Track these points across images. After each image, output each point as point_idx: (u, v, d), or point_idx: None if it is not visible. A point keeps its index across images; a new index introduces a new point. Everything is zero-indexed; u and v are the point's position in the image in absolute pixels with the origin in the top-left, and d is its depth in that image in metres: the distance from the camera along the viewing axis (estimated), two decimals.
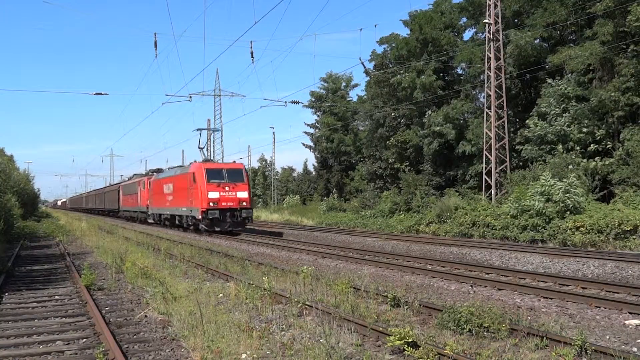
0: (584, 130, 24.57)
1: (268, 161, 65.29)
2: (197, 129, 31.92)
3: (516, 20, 29.83)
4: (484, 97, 29.16)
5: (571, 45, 26.76)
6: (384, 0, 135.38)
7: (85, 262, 14.07)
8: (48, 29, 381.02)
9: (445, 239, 22.69)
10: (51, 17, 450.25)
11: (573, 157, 23.80)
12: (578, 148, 24.43)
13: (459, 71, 35.24)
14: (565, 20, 25.98)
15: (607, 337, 7.26)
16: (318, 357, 5.83)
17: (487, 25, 26.60)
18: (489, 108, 26.65)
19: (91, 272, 11.46)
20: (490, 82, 26.36)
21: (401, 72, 34.30)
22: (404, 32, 39.78)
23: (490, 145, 26.45)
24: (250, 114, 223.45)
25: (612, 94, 23.11)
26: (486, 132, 26.82)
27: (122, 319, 8.38)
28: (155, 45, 26.69)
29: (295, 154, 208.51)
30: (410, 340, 6.16)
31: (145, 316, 8.41)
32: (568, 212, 19.74)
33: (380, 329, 7.03)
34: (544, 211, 20.03)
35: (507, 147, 26.85)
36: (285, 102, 37.28)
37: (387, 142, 36.36)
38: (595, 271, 13.24)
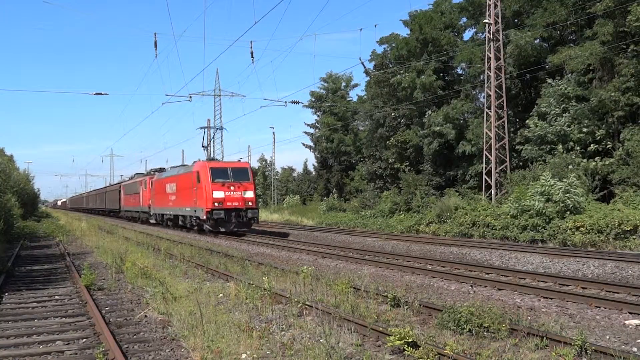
0: (584, 130, 24.57)
1: (268, 161, 65.26)
2: (202, 127, 31.93)
3: (516, 20, 29.83)
4: (484, 97, 29.17)
5: (571, 45, 26.76)
6: (384, 0, 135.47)
7: (85, 262, 14.08)
8: (48, 29, 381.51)
9: (445, 239, 22.69)
10: (51, 17, 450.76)
11: (573, 157, 23.80)
12: (578, 148, 24.43)
13: (459, 71, 35.26)
14: (565, 20, 25.98)
15: (607, 337, 7.26)
16: (318, 357, 5.83)
17: (487, 25, 26.60)
18: (489, 108, 26.65)
19: (91, 272, 11.47)
20: (490, 82, 26.36)
21: (401, 72, 34.30)
22: (404, 32, 39.88)
23: (490, 145, 26.45)
24: (250, 114, 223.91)
25: (612, 94, 23.12)
26: (486, 132, 26.82)
27: (122, 319, 8.38)
28: (155, 45, 26.64)
29: (295, 154, 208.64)
30: (410, 340, 6.16)
31: (145, 316, 8.41)
32: (568, 212, 19.74)
33: (380, 329, 7.03)
34: (544, 211, 20.03)
35: (507, 147, 26.85)
36: (285, 102, 37.33)
37: (387, 142, 36.35)
38: (595, 271, 13.24)
